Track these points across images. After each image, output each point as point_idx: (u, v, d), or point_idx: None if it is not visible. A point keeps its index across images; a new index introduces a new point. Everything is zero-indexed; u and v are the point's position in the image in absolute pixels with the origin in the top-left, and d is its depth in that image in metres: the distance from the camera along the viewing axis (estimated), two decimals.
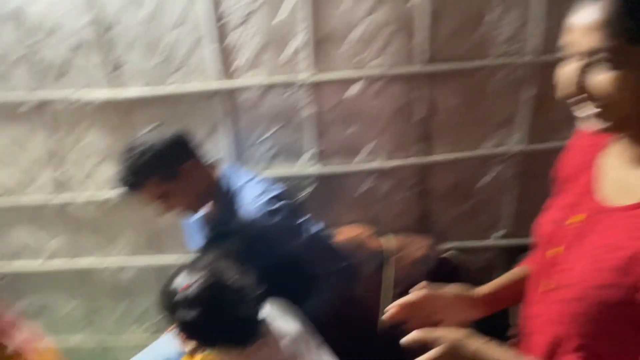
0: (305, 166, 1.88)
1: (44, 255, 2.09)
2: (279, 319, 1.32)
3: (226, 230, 1.51)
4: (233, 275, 1.21)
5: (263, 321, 1.24)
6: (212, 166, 1.57)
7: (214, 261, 1.24)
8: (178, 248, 2.01)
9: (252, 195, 1.48)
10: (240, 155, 1.88)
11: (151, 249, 2.06)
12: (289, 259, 1.50)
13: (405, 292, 1.74)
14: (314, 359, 1.32)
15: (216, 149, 1.86)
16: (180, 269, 1.23)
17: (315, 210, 1.88)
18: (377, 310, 1.75)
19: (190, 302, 1.14)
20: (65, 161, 1.92)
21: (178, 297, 1.15)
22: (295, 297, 1.47)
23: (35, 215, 2.02)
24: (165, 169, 1.41)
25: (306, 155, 1.86)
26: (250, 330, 1.20)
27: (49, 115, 1.86)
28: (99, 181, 1.94)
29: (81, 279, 2.13)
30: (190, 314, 1.14)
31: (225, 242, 1.46)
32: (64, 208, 1.99)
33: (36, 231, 2.05)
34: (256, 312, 1.22)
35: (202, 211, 1.62)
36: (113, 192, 1.93)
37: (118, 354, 2.28)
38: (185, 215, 1.55)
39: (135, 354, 1.95)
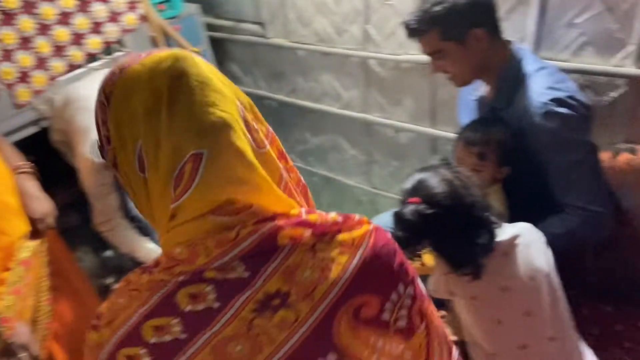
0: (621, 63, 1.55)
1: (340, 103, 2.37)
2: (521, 246, 1.17)
3: (498, 118, 1.43)
4: (473, 197, 1.11)
5: (492, 249, 1.13)
6: (504, 44, 1.42)
7: (459, 176, 1.14)
8: (453, 124, 2.00)
9: (539, 86, 1.32)
10: (543, 38, 1.65)
11: (429, 118, 2.10)
12: (546, 175, 1.35)
13: None
14: (545, 305, 1.16)
15: (516, 27, 1.68)
16: (426, 169, 1.18)
17: (619, 120, 1.60)
18: None
19: (410, 214, 1.09)
20: (372, 18, 2.03)
21: (406, 204, 1.12)
22: (535, 215, 1.33)
23: (341, 65, 2.26)
24: (451, 25, 1.33)
25: (626, 50, 1.53)
26: (474, 257, 1.11)
27: None
28: (396, 42, 2.01)
29: (366, 131, 2.36)
30: (410, 223, 1.10)
31: (491, 130, 1.38)
32: (364, 62, 2.16)
33: (340, 79, 2.31)
34: (484, 245, 1.11)
35: (481, 90, 1.54)
36: (407, 56, 1.99)
37: (385, 202, 2.54)
38: (457, 84, 1.48)
39: None
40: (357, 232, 0.66)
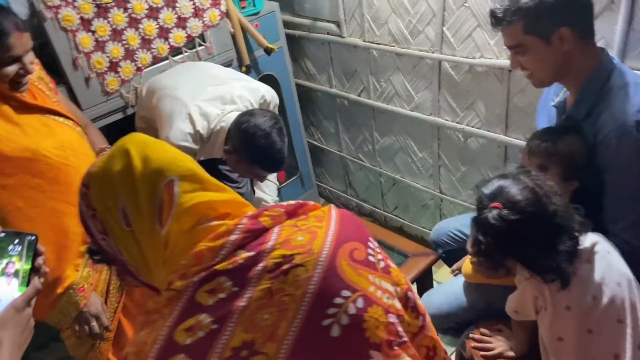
0: None
1: (412, 105, 2.35)
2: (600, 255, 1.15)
3: (573, 128, 1.36)
4: (555, 206, 1.09)
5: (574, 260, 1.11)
6: (594, 50, 1.33)
7: (541, 185, 1.12)
8: (528, 131, 1.93)
9: (626, 104, 1.23)
10: (629, 47, 1.55)
11: (502, 124, 2.03)
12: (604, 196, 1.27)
13: None
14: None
15: (601, 34, 1.59)
16: (504, 176, 1.16)
17: None
18: None
19: (491, 221, 1.09)
20: (448, 20, 1.99)
21: (487, 209, 1.11)
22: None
23: (414, 66, 2.23)
24: (538, 20, 1.26)
25: None
26: (558, 264, 1.08)
27: None
28: (472, 45, 1.96)
29: (436, 135, 2.33)
30: (487, 233, 1.10)
31: (558, 141, 1.32)
32: (438, 64, 2.12)
33: (412, 80, 2.29)
34: (565, 256, 1.09)
35: (561, 95, 1.47)
36: (482, 60, 1.94)
37: (451, 208, 2.49)
38: (535, 83, 1.41)
39: (465, 213, 2.09)
40: (324, 208, 0.81)
